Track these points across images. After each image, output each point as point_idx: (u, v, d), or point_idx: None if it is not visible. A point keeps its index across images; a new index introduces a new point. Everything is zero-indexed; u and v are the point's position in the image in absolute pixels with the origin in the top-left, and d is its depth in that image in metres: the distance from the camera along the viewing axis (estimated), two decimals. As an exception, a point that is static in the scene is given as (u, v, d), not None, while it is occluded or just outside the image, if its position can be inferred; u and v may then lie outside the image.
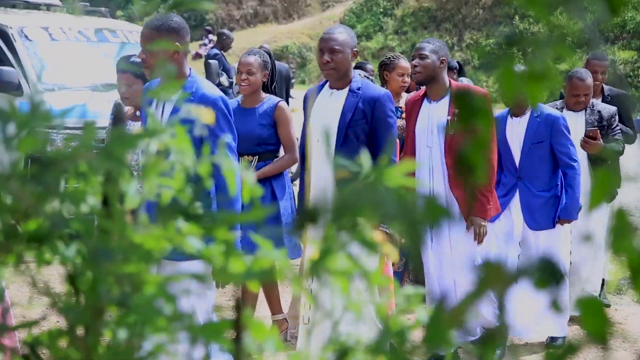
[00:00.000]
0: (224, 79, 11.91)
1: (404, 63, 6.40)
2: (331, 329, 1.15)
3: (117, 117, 1.11)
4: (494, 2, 25.89)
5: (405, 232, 0.73)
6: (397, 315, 1.18)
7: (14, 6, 11.59)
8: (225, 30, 15.28)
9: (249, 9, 32.32)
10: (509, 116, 5.74)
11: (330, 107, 4.63)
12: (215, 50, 13.13)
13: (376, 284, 1.24)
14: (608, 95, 6.69)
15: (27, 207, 1.12)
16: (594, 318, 0.83)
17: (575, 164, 5.57)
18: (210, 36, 24.17)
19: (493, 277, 0.68)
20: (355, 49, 4.63)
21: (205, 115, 1.30)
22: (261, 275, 1.15)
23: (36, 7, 11.69)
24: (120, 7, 33.00)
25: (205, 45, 25.80)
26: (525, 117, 5.66)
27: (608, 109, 6.20)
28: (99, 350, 1.15)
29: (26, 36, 9.16)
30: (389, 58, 6.55)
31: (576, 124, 6.01)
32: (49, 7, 11.84)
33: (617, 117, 6.20)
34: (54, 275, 1.36)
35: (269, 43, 24.81)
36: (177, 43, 3.89)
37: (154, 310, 1.09)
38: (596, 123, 6.07)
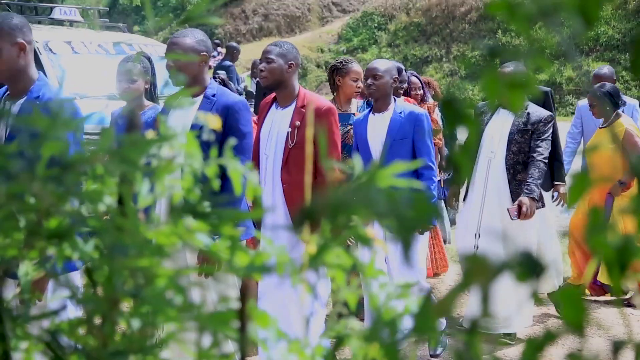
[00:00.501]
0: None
1: (357, 68, 5.81)
2: (328, 319, 1.14)
3: (131, 124, 1.10)
4: (478, 17, 25.91)
5: (395, 229, 0.72)
6: (389, 305, 1.17)
7: (39, 22, 11.60)
8: (234, 44, 15.31)
9: (255, 24, 32.31)
10: (370, 113, 5.13)
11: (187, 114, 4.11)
12: (228, 62, 13.14)
13: (370, 276, 1.23)
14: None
15: (48, 206, 1.11)
16: (572, 308, 0.82)
17: (432, 165, 4.97)
18: (219, 49, 24.16)
19: (477, 270, 0.67)
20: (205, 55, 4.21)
21: (214, 122, 1.30)
22: (264, 269, 1.15)
23: (60, 23, 11.70)
24: (137, 22, 33.02)
25: (214, 57, 25.79)
26: (389, 113, 5.04)
27: (538, 114, 5.52)
28: (115, 338, 1.14)
29: (50, 49, 9.16)
30: (341, 62, 5.85)
31: (502, 125, 5.55)
32: (71, 23, 11.84)
33: (548, 126, 5.50)
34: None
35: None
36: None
37: (165, 301, 1.08)
38: (521, 125, 5.48)
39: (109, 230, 1.13)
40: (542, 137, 5.48)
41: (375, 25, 28.77)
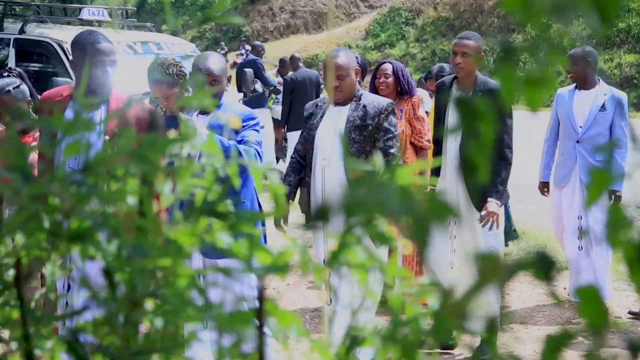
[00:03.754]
0: (258, 86, 11.93)
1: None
2: (350, 318, 1.14)
3: (152, 124, 1.11)
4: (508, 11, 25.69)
5: (411, 229, 0.72)
6: (411, 304, 1.17)
7: (68, 23, 11.71)
8: (257, 42, 15.43)
9: (282, 21, 32.36)
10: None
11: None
12: (257, 58, 13.17)
13: (392, 275, 1.22)
14: (480, 89, 4.96)
15: (70, 207, 1.12)
16: (593, 307, 0.82)
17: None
18: (247, 46, 24.25)
19: (491, 270, 0.67)
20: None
21: (234, 122, 1.30)
22: (285, 268, 1.15)
23: (89, 23, 11.80)
24: (165, 21, 33.19)
25: (242, 54, 25.88)
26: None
27: (377, 104, 4.50)
28: (138, 338, 1.15)
29: (79, 49, 9.23)
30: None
31: (336, 123, 4.52)
32: (100, 23, 11.94)
33: (391, 117, 4.48)
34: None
35: (300, 52, 24.81)
36: None
37: (185, 301, 1.09)
38: (358, 121, 4.43)
39: (129, 230, 1.14)
40: (389, 135, 4.47)
41: (403, 20, 28.68)
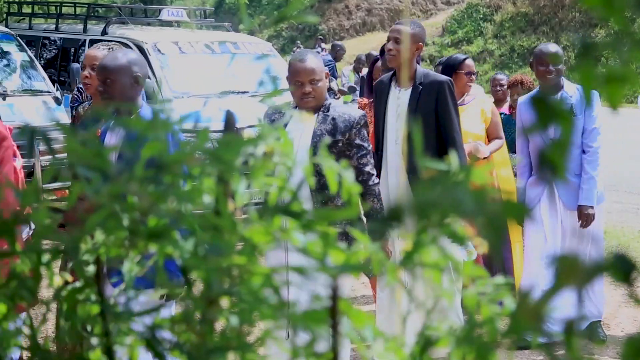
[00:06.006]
0: (333, 84, 11.97)
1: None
2: (424, 319, 1.14)
3: (228, 124, 1.12)
4: (589, 5, 25.11)
5: (484, 229, 0.71)
6: (486, 304, 1.15)
7: (149, 24, 11.97)
8: (339, 43, 15.42)
9: (358, 19, 32.36)
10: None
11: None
12: (329, 58, 13.21)
13: (468, 275, 1.21)
14: (420, 82, 4.59)
15: (147, 206, 1.15)
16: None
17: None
18: (323, 45, 24.31)
19: (570, 272, 0.65)
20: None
21: (307, 119, 1.31)
22: (359, 268, 1.15)
23: (168, 24, 12.04)
24: (242, 21, 33.56)
25: (317, 52, 25.96)
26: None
27: (348, 117, 3.99)
28: (213, 335, 1.17)
29: (159, 50, 9.44)
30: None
31: (300, 138, 3.90)
32: (179, 23, 12.16)
33: (363, 132, 4.00)
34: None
35: (376, 50, 24.74)
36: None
37: (260, 299, 1.10)
38: (326, 135, 3.90)
39: (205, 229, 1.15)
40: (362, 152, 4.02)
41: (481, 16, 28.32)
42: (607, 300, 6.04)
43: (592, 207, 5.07)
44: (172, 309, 3.54)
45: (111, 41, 6.35)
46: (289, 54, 30.48)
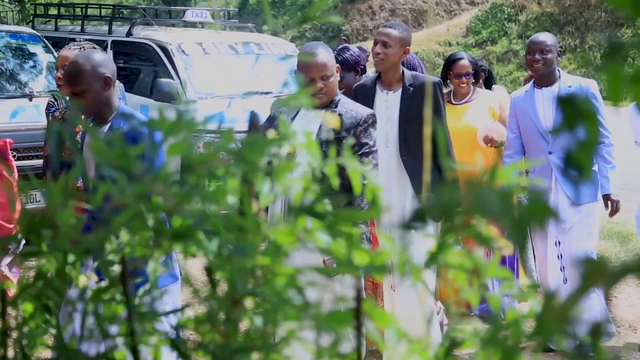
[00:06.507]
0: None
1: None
2: (449, 320, 1.13)
3: (253, 125, 1.12)
4: (615, 4, 24.89)
5: (510, 231, 0.71)
6: (512, 306, 1.15)
7: (173, 25, 12.03)
8: (363, 47, 15.42)
9: (382, 20, 32.28)
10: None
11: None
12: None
13: (493, 276, 1.20)
14: (410, 84, 4.54)
15: (172, 206, 1.15)
16: None
17: None
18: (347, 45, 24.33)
19: (597, 274, 0.65)
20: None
21: (332, 121, 1.31)
22: (382, 268, 1.14)
23: (193, 25, 12.09)
24: (266, 22, 33.65)
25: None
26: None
27: (355, 114, 3.92)
28: (237, 335, 1.17)
29: (183, 51, 9.48)
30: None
31: (309, 126, 3.88)
32: (203, 24, 12.21)
33: (370, 131, 3.94)
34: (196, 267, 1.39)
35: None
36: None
37: (284, 300, 1.10)
38: (331, 131, 3.81)
39: (230, 229, 1.16)
40: (365, 149, 3.90)
41: (505, 16, 28.17)
42: (633, 303, 5.98)
43: (617, 195, 5.01)
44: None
45: (82, 41, 6.29)
46: (312, 54, 30.43)
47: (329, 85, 3.87)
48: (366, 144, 3.90)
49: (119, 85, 5.01)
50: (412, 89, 4.48)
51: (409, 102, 4.47)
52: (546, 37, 5.19)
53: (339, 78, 4.02)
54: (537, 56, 5.02)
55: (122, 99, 5.00)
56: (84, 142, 3.77)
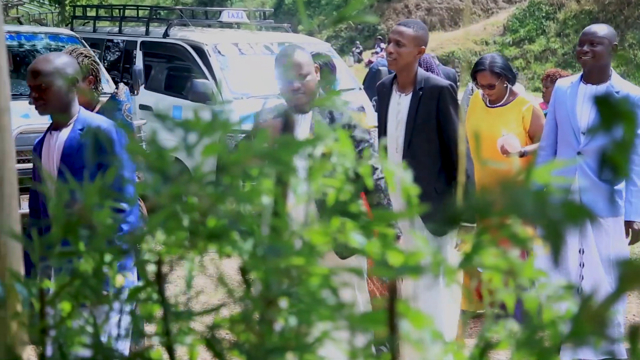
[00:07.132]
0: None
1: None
2: (486, 321, 1.12)
3: (287, 124, 1.12)
4: (656, 1, 24.57)
5: (546, 232, 0.70)
6: (549, 306, 1.14)
7: (209, 26, 12.11)
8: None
9: (418, 19, 32.19)
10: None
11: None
12: (384, 61, 13.20)
13: (528, 277, 1.19)
14: (420, 87, 4.38)
15: (206, 207, 1.16)
16: None
17: None
18: (382, 45, 24.28)
19: (634, 277, 0.64)
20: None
21: (362, 120, 1.31)
22: (416, 269, 1.14)
23: (229, 25, 12.16)
24: (302, 22, 33.73)
25: (377, 53, 25.94)
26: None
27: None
28: (272, 335, 1.17)
29: (219, 52, 9.54)
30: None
31: (299, 127, 3.82)
32: (239, 25, 12.28)
33: (372, 139, 3.91)
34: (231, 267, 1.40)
35: (436, 49, 24.62)
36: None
37: (318, 300, 1.10)
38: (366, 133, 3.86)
39: (264, 230, 1.16)
40: (364, 145, 3.71)
41: (543, 14, 27.92)
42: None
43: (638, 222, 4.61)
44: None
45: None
46: (347, 54, 30.49)
47: (306, 85, 3.82)
48: (362, 138, 3.73)
49: (123, 88, 5.03)
50: (421, 92, 4.34)
51: (417, 107, 4.34)
52: (599, 28, 4.69)
53: (318, 78, 3.92)
54: (585, 47, 4.61)
55: (128, 102, 5.01)
56: (42, 146, 3.75)
